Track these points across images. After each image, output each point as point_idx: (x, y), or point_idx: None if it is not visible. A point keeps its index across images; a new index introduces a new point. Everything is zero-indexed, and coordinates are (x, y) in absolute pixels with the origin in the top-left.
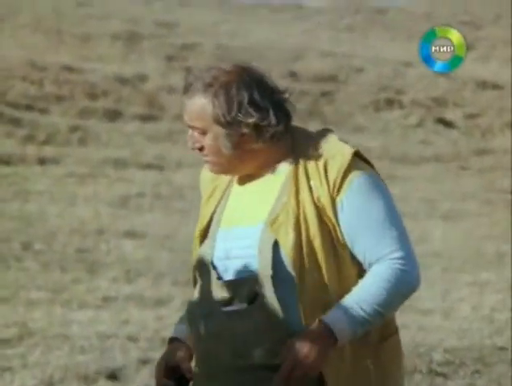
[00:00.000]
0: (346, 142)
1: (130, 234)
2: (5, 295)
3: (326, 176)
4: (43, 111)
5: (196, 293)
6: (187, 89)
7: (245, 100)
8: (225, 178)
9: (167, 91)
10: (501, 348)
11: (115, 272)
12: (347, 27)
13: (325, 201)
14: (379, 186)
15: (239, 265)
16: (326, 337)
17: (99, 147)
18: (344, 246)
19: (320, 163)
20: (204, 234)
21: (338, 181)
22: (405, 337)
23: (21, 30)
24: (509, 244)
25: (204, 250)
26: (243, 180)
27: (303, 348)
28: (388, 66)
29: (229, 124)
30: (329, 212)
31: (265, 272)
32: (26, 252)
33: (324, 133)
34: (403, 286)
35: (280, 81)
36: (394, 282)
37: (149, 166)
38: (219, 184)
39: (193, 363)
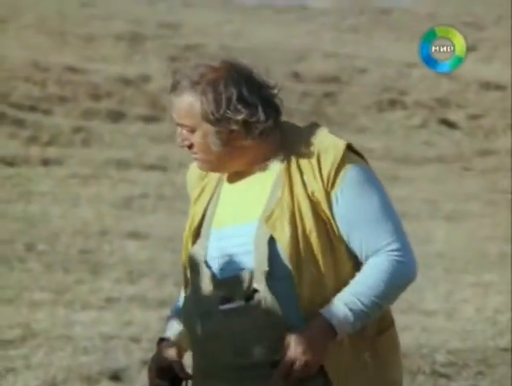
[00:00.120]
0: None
1: (133, 235)
2: (8, 296)
3: (319, 170)
4: (47, 112)
5: (188, 293)
6: (174, 87)
7: (234, 97)
8: (214, 175)
9: None
10: (504, 350)
11: (118, 273)
12: (351, 28)
13: (320, 195)
14: (373, 179)
15: (235, 263)
16: (325, 331)
17: (102, 148)
18: (340, 239)
19: (313, 157)
20: (197, 233)
21: (332, 175)
22: (408, 338)
23: (24, 31)
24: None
25: (197, 250)
26: (233, 177)
27: (303, 344)
28: (391, 67)
29: (218, 121)
30: (324, 206)
31: (261, 268)
32: (30, 253)
33: (313, 127)
34: (401, 278)
35: (283, 82)
36: (391, 274)
37: (152, 167)
38: (208, 182)
39: (188, 363)
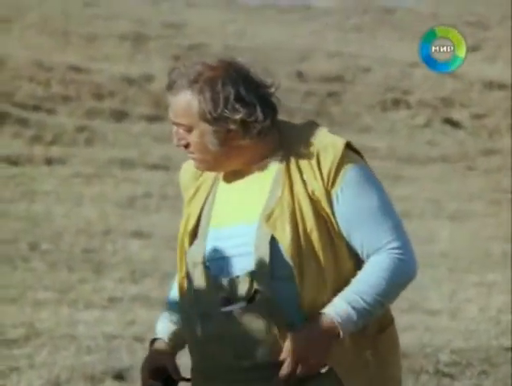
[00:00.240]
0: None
1: (137, 234)
2: (12, 295)
3: (319, 168)
4: (50, 111)
5: (186, 294)
6: (171, 86)
7: (232, 96)
8: (209, 175)
9: None
10: (508, 349)
11: (121, 272)
12: (355, 27)
13: (320, 194)
14: (372, 178)
15: (235, 264)
16: (329, 330)
17: (105, 147)
18: (341, 238)
19: (312, 156)
20: (194, 233)
21: (332, 173)
22: (412, 337)
23: (28, 31)
24: None
25: (194, 250)
26: (230, 176)
27: (305, 344)
28: (395, 66)
29: (216, 120)
30: (325, 205)
31: (263, 268)
32: (33, 252)
33: (311, 125)
34: (402, 276)
35: (287, 82)
36: (393, 272)
37: (155, 167)
38: (203, 182)
39: (181, 363)
